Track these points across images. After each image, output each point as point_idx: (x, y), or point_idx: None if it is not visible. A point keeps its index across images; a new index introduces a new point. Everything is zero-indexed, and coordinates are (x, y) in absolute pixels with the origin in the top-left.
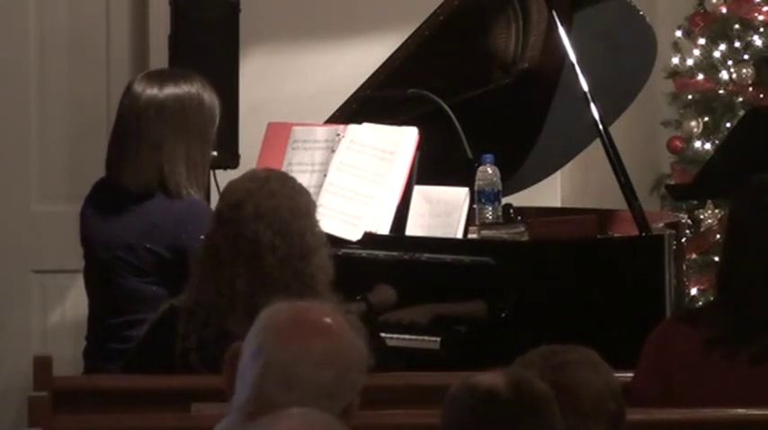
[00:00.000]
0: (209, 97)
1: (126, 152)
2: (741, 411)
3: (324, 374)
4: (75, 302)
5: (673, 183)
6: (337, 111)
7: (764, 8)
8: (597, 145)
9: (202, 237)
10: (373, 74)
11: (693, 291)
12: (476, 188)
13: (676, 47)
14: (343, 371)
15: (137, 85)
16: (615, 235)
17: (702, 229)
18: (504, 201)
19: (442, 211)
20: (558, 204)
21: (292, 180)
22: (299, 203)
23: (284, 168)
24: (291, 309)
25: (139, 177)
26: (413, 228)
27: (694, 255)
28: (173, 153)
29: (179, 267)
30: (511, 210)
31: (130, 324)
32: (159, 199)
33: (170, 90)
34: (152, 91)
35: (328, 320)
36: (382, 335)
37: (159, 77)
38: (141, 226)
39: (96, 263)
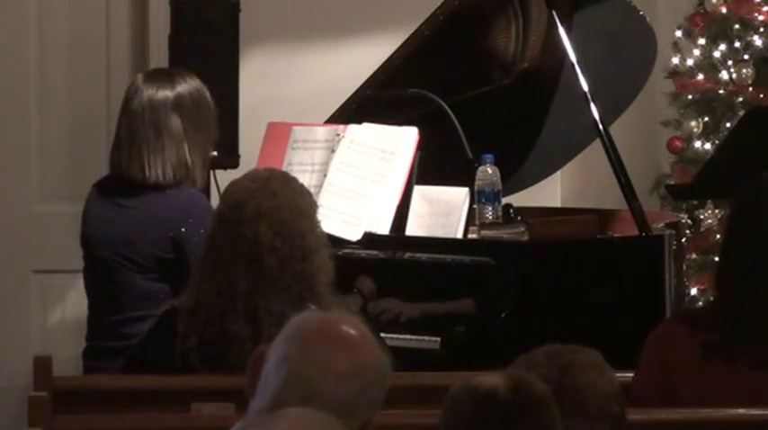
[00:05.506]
0: (208, 95)
1: (140, 147)
2: (741, 411)
3: (344, 391)
4: (75, 302)
5: (673, 183)
6: (337, 111)
7: (764, 8)
8: (597, 145)
9: (202, 230)
10: (373, 74)
11: (693, 291)
12: (476, 188)
13: (676, 47)
14: (363, 388)
15: (145, 83)
16: (615, 235)
17: (702, 229)
18: (504, 201)
19: (442, 211)
20: (558, 204)
21: (294, 180)
22: (301, 204)
23: (284, 168)
24: (320, 321)
25: (157, 170)
26: (413, 228)
27: (694, 255)
28: (194, 146)
29: (180, 261)
30: (511, 210)
31: (132, 321)
32: (159, 193)
33: (183, 87)
34: (165, 88)
35: (356, 335)
36: (382, 335)
37: (167, 75)
38: (142, 221)
39: (97, 262)
